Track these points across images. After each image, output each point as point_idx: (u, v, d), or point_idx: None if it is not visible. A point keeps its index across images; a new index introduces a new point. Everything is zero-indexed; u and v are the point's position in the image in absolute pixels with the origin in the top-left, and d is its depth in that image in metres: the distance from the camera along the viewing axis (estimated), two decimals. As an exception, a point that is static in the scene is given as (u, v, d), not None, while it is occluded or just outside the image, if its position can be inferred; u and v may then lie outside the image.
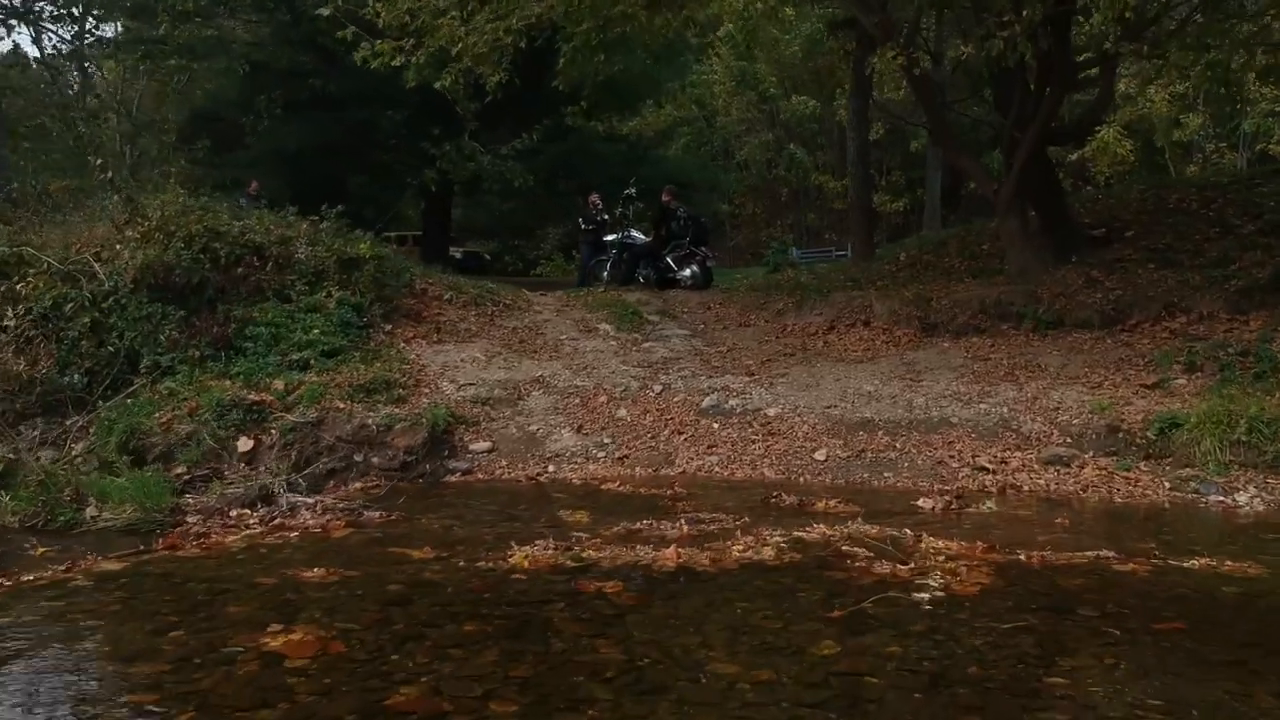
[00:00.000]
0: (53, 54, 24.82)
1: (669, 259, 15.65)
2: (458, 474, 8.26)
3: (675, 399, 9.30)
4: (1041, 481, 7.35)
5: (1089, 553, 5.17)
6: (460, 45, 10.87)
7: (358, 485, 7.61)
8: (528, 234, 41.91)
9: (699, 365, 10.22)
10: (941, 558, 5.03)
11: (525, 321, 11.59)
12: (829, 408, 8.78)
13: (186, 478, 7.03)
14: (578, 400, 9.39)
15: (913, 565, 4.86)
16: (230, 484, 6.81)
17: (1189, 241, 11.10)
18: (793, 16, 32.92)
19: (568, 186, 26.11)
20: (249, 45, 22.54)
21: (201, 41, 20.27)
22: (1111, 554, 5.12)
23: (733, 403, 9.06)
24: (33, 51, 27.22)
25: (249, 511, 6.18)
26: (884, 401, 8.78)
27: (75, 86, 33.29)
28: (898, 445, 8.07)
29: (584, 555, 5.03)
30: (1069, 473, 7.45)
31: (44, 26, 23.23)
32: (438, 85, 11.98)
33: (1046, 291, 10.24)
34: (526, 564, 4.86)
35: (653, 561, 4.94)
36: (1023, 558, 5.10)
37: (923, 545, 5.29)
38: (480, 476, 8.25)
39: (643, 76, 24.31)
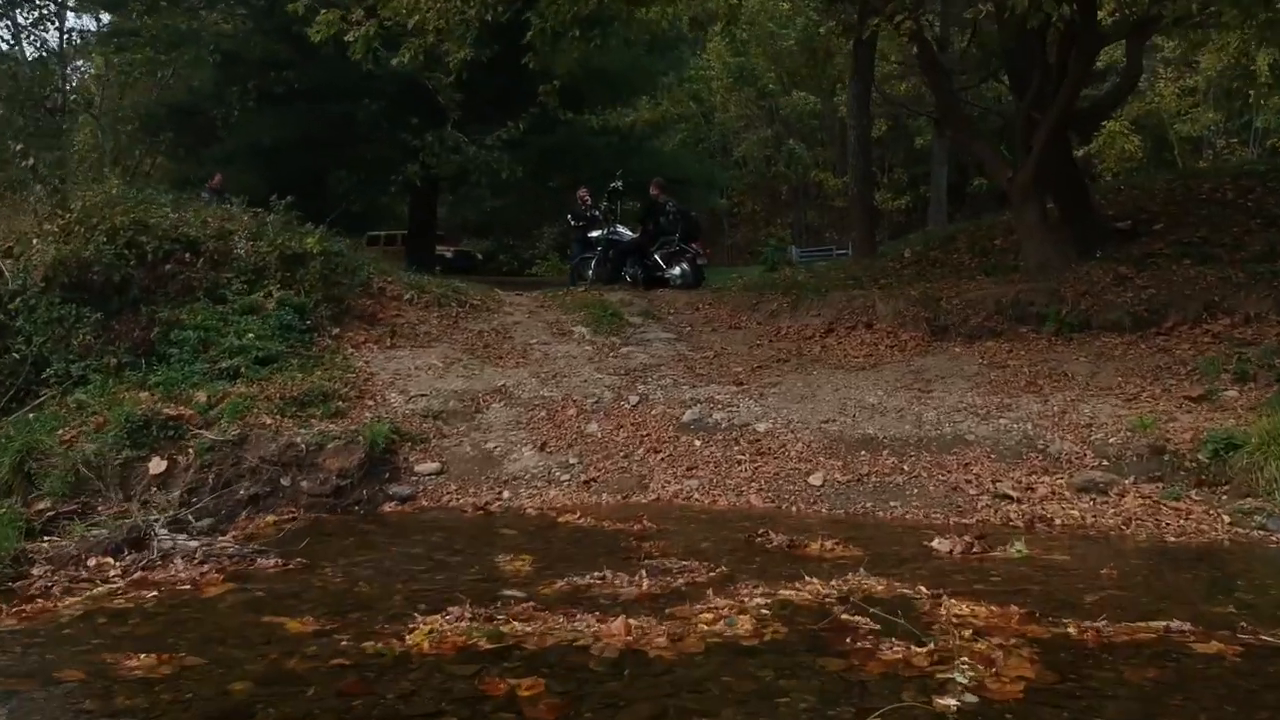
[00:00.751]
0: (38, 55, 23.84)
1: (657, 256, 14.49)
2: (398, 501, 7.11)
3: (653, 412, 8.14)
4: (1075, 513, 6.17)
5: (1155, 623, 4.00)
6: (418, 18, 9.70)
7: (270, 519, 6.45)
8: (522, 233, 40.74)
9: (682, 373, 9.06)
10: (968, 632, 3.86)
11: (493, 324, 10.43)
12: (826, 423, 7.61)
13: (51, 514, 5.85)
14: (543, 413, 8.23)
15: (932, 646, 3.69)
16: (95, 523, 5.63)
17: (1226, 234, 9.92)
18: (789, 10, 31.95)
19: (558, 181, 24.98)
20: (220, 35, 21.33)
21: (167, 30, 19.10)
22: (1185, 626, 3.94)
23: (718, 416, 7.90)
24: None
25: (112, 560, 5.01)
26: (889, 415, 7.61)
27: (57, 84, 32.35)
28: (905, 468, 6.90)
29: (507, 630, 3.86)
30: (1107, 502, 6.28)
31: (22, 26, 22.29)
32: (395, 62, 10.84)
33: (1070, 290, 9.07)
34: (427, 645, 3.69)
35: (594, 640, 3.77)
36: (1072, 631, 3.93)
37: (943, 611, 4.12)
38: (425, 504, 7.09)
39: (635, 68, 23.14)
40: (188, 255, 9.14)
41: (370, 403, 8.16)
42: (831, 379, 8.58)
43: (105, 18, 26.30)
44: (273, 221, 10.22)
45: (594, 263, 15.18)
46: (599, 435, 7.85)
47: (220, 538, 5.68)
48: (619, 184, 15.18)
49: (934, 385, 8.16)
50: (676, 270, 14.30)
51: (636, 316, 11.04)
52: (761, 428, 7.66)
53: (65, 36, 25.92)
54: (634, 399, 8.40)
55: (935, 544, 5.42)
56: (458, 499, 7.08)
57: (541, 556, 5.22)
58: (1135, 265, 9.39)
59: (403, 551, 5.51)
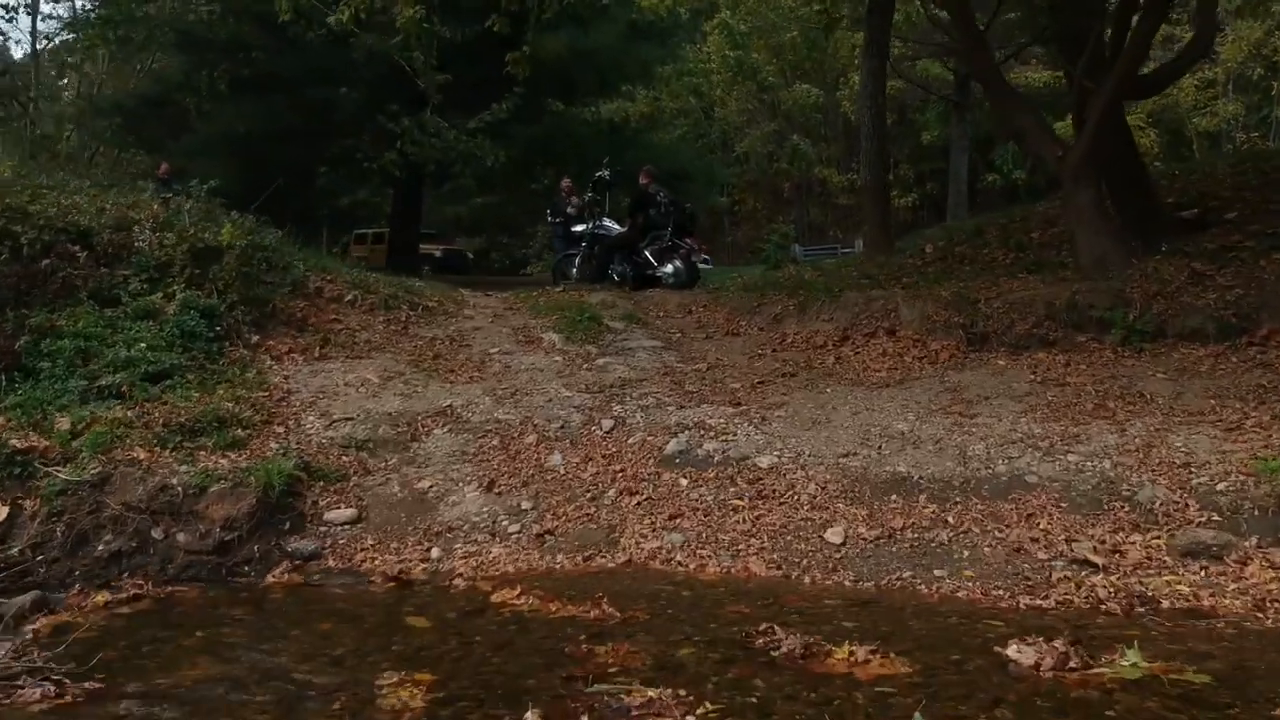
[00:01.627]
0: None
1: (647, 252, 12.84)
2: (298, 560, 5.47)
3: (630, 440, 6.49)
4: (1185, 588, 4.53)
5: None
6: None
7: (100, 598, 4.81)
8: (516, 231, 39.12)
9: (668, 390, 7.40)
10: None
11: (449, 330, 8.79)
12: (846, 456, 5.97)
13: None
14: (495, 441, 6.59)
15: None
16: None
17: (1317, 224, 8.26)
18: (791, 2, 30.32)
19: (549, 175, 23.41)
20: (177, 18, 19.73)
21: (118, 9, 17.48)
22: None
23: (709, 447, 6.25)
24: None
25: None
26: (925, 448, 5.96)
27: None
28: (950, 520, 5.25)
29: None
30: (1224, 572, 4.64)
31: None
32: (331, 20, 9.31)
33: (1138, 290, 7.40)
34: None
35: None
36: None
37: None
38: (331, 563, 5.46)
39: (628, 55, 21.48)
40: (75, 248, 7.52)
41: (280, 429, 6.52)
42: (849, 399, 6.93)
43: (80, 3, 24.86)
44: (191, 209, 8.61)
45: (577, 260, 13.54)
46: (561, 471, 6.21)
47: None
48: (606, 173, 13.53)
49: (978, 408, 6.51)
50: (669, 268, 12.65)
51: (618, 320, 9.39)
52: (764, 462, 6.01)
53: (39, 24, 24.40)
54: (608, 423, 6.75)
55: (1012, 652, 3.76)
56: (373, 558, 5.44)
57: (447, 676, 3.58)
58: (1211, 260, 7.72)
59: (257, 660, 3.87)
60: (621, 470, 6.12)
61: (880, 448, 6.05)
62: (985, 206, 35.70)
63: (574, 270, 13.57)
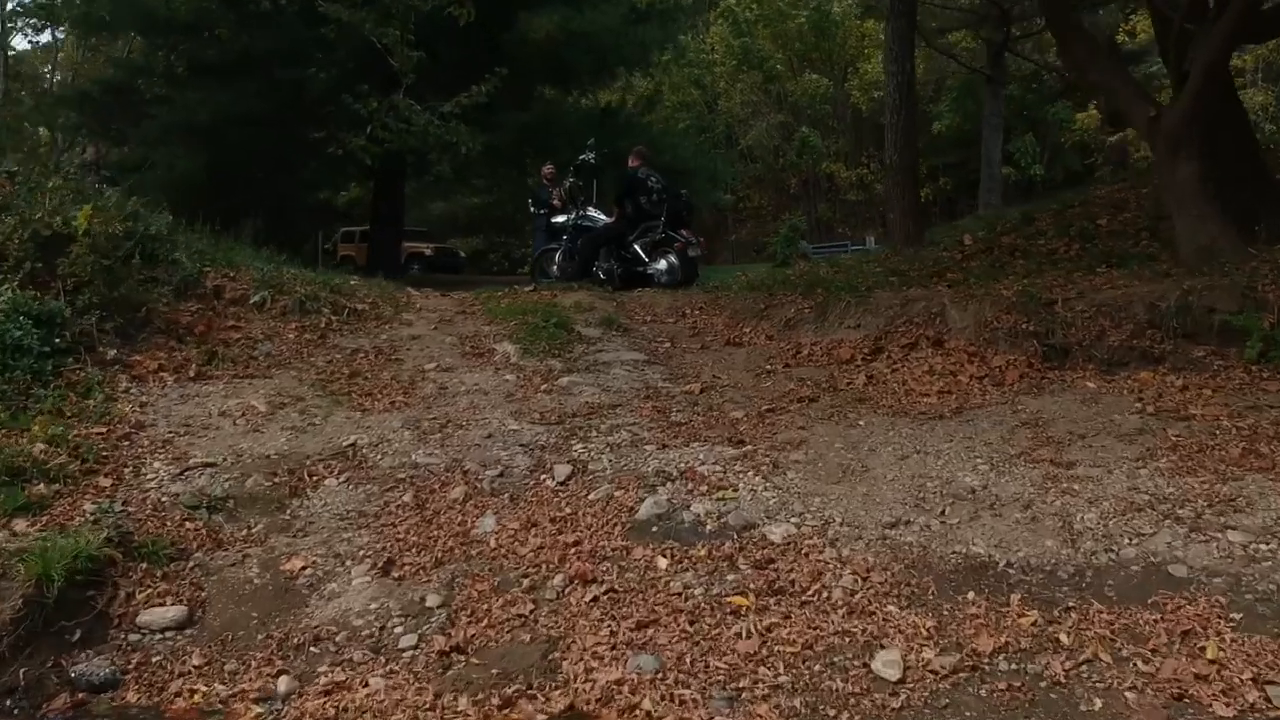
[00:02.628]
0: None
1: (636, 246, 10.99)
2: (82, 692, 3.61)
3: (592, 496, 4.62)
4: None
5: None
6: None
7: None
8: (515, 229, 37.22)
9: (649, 421, 5.52)
10: None
11: (379, 339, 6.91)
12: (894, 526, 4.10)
13: None
14: (408, 496, 4.73)
15: None
16: None
17: None
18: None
19: (537, 164, 21.60)
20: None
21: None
22: None
23: (700, 509, 4.38)
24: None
25: None
26: (1008, 514, 4.09)
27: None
28: (1065, 639, 3.37)
29: None
30: None
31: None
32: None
33: (1272, 288, 5.49)
34: None
35: None
36: None
37: None
38: (132, 697, 3.60)
39: (624, 36, 19.58)
40: None
41: (108, 481, 4.65)
42: (891, 435, 5.04)
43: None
44: (54, 188, 6.76)
45: (558, 256, 11.69)
46: (492, 543, 4.33)
47: None
48: (590, 156, 11.69)
49: (1072, 451, 4.62)
50: (661, 264, 10.79)
51: (594, 327, 7.51)
52: (777, 534, 4.14)
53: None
54: (563, 470, 4.88)
55: None
56: (194, 688, 3.58)
57: None
58: (1357, 250, 5.85)
59: None
60: (576, 544, 4.24)
61: (943, 513, 4.17)
62: (1008, 199, 33.66)
63: (554, 267, 11.71)
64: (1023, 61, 25.50)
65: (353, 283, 8.03)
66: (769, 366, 6.55)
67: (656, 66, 23.03)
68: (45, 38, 27.98)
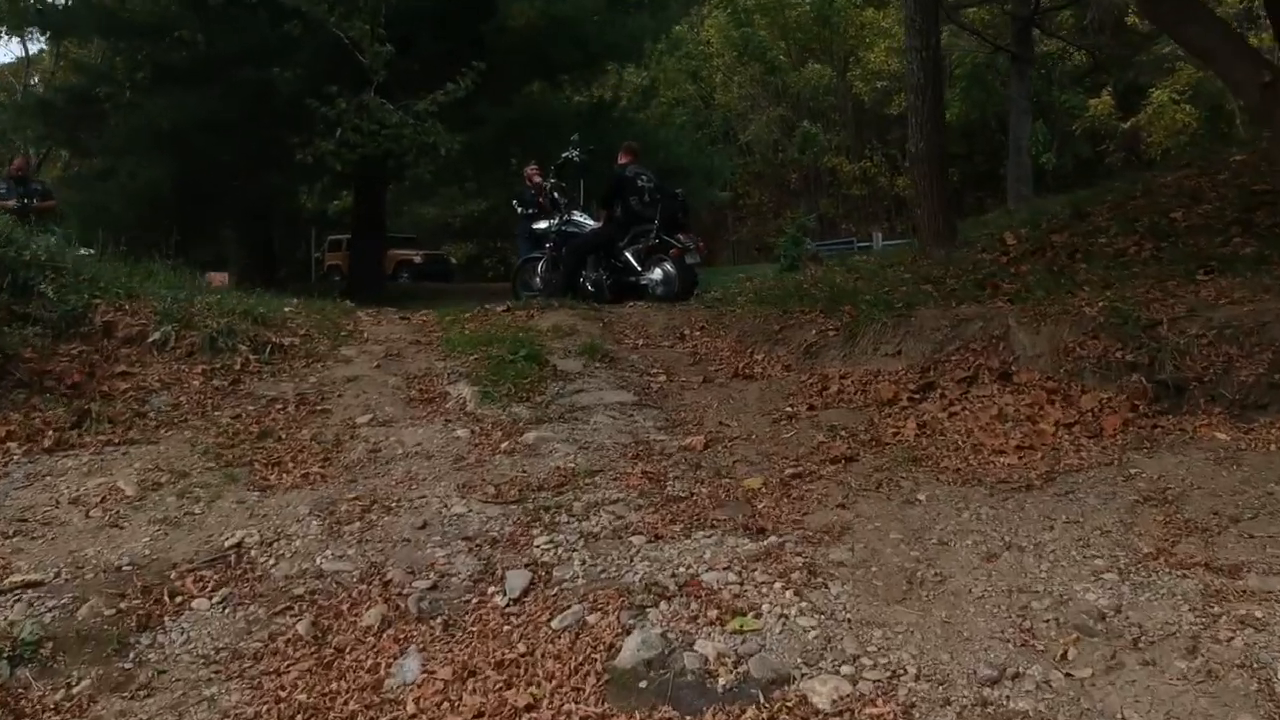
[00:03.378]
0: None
1: (627, 254, 9.64)
2: None
3: (554, 625, 3.24)
4: None
5: None
6: None
7: None
8: (508, 234, 35.82)
9: (636, 497, 4.14)
10: None
11: (308, 383, 5.54)
12: (994, 682, 2.72)
13: None
14: (303, 624, 3.36)
15: None
16: None
17: None
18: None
19: (522, 164, 20.27)
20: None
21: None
22: None
23: (708, 649, 3.00)
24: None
25: None
26: (1163, 657, 2.71)
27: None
28: None
29: None
30: None
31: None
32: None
33: None
34: None
35: None
36: None
37: None
38: None
39: (611, 25, 18.19)
40: None
41: None
42: (965, 517, 3.68)
43: None
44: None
45: (540, 267, 10.32)
46: (411, 708, 2.96)
47: None
48: (575, 153, 10.30)
49: (1229, 545, 3.24)
50: (656, 273, 9.43)
51: (574, 358, 6.14)
52: (823, 693, 2.78)
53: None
54: (518, 580, 3.51)
55: None
56: None
57: None
58: None
59: None
60: (530, 709, 2.87)
61: (1065, 657, 2.80)
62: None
63: (537, 279, 10.35)
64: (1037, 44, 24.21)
65: (286, 309, 6.65)
66: (789, 408, 5.17)
67: (649, 59, 21.58)
68: (17, 49, 26.65)
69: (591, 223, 10.08)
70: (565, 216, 10.19)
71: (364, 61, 14.20)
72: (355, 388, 5.47)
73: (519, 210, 11.96)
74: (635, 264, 9.49)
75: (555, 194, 10.33)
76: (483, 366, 5.68)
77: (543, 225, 10.43)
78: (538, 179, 11.64)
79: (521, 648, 3.15)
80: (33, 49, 31.22)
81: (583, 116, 17.70)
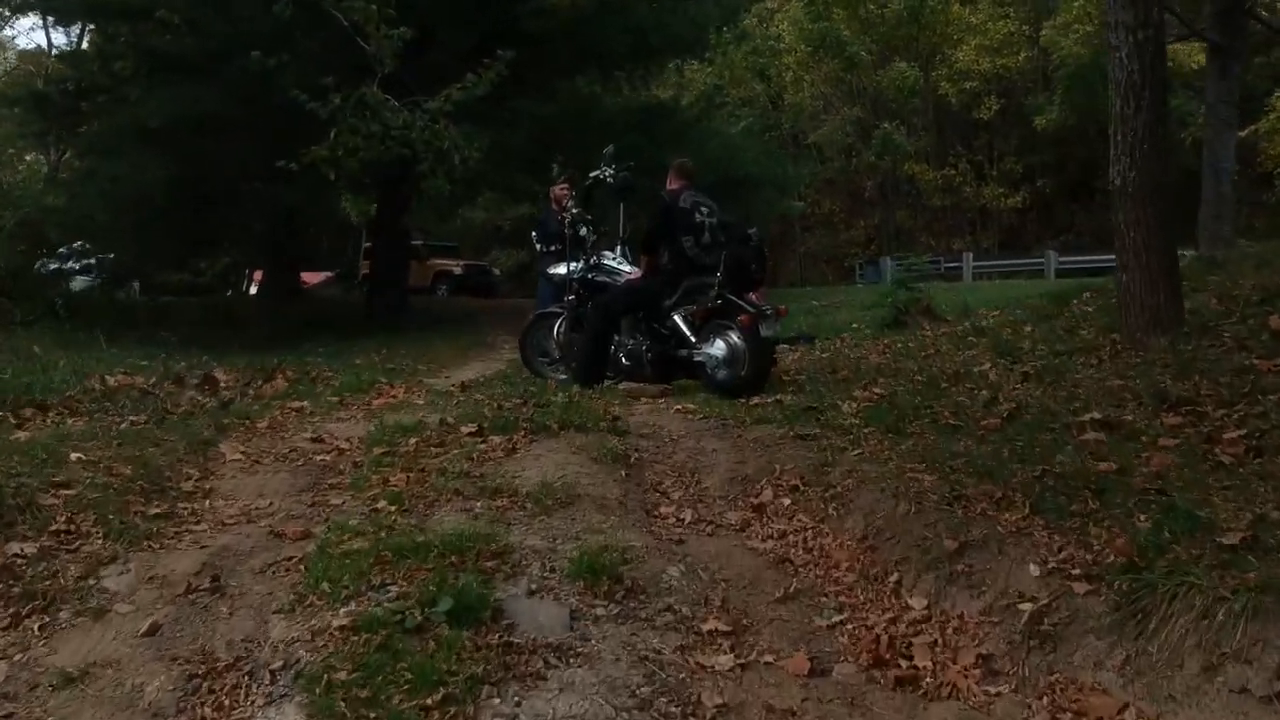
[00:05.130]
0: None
1: (677, 318, 6.58)
2: None
3: None
4: None
5: None
6: None
7: None
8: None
9: None
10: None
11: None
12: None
13: None
14: None
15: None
16: None
17: None
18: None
19: (565, 171, 17.31)
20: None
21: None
22: None
23: None
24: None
25: None
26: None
27: None
28: None
29: None
30: None
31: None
32: None
33: None
34: None
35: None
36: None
37: None
38: None
39: (672, 14, 15.09)
40: None
41: None
42: None
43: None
44: None
45: (558, 327, 7.32)
46: None
47: None
48: (608, 170, 7.23)
49: None
50: (717, 348, 6.36)
51: (552, 599, 3.08)
52: None
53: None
54: None
55: None
56: None
57: None
58: None
59: None
60: None
61: None
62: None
63: (553, 344, 7.36)
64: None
65: (77, 457, 3.71)
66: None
67: (714, 51, 18.41)
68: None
69: (629, 269, 7.02)
70: (593, 260, 7.15)
71: (368, 50, 11.27)
72: (68, 710, 2.49)
73: (538, 246, 8.90)
74: (687, 332, 6.44)
75: (581, 227, 7.26)
76: (355, 645, 2.66)
77: (562, 270, 7.38)
78: (567, 201, 8.65)
79: None
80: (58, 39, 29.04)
81: (634, 117, 14.61)
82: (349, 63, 11.80)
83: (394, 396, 6.44)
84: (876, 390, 5.49)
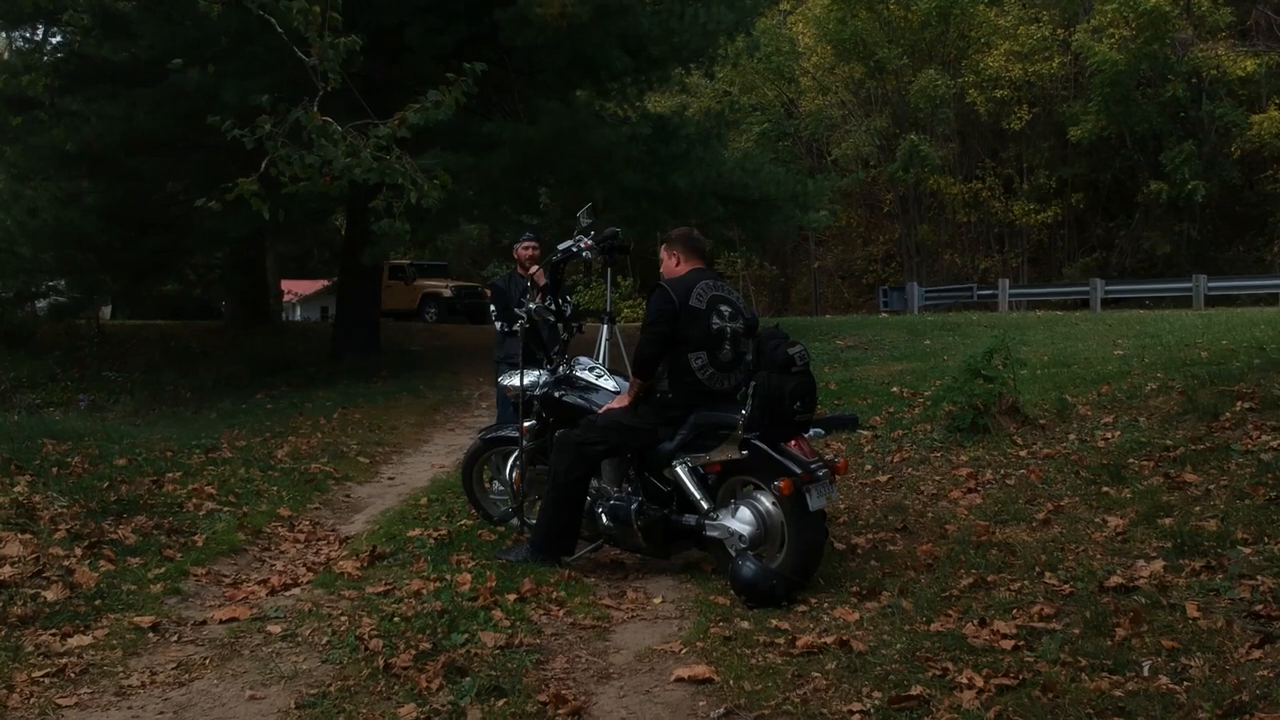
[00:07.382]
0: None
1: (682, 471, 4.34)
2: None
3: None
4: None
5: None
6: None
7: None
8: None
9: None
10: None
11: None
12: None
13: None
14: None
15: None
16: None
17: None
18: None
19: (556, 200, 15.15)
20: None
21: None
22: None
23: None
24: None
25: None
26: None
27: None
28: None
29: None
30: None
31: None
32: None
33: None
34: None
35: None
36: None
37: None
38: None
39: (679, 18, 12.83)
40: None
41: None
42: None
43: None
44: None
45: (511, 464, 5.11)
46: None
47: None
48: (583, 240, 4.98)
49: None
50: (741, 520, 4.15)
51: None
52: None
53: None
54: None
55: None
56: None
57: None
58: None
59: None
60: None
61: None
62: (1149, 226, 26.19)
63: (510, 475, 5.16)
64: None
65: None
66: None
67: (725, 61, 16.14)
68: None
69: (613, 387, 4.80)
70: (562, 370, 4.92)
71: (308, 61, 9.01)
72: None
73: (497, 325, 6.58)
74: (696, 495, 4.24)
75: (549, 317, 5.03)
76: None
77: (516, 382, 5.09)
78: (533, 267, 6.40)
79: None
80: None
81: (636, 146, 12.35)
82: (293, 77, 9.60)
83: (251, 595, 4.24)
84: (1000, 627, 3.29)
